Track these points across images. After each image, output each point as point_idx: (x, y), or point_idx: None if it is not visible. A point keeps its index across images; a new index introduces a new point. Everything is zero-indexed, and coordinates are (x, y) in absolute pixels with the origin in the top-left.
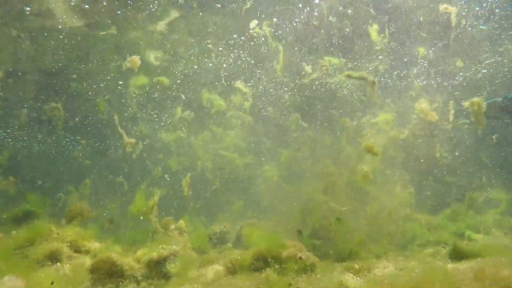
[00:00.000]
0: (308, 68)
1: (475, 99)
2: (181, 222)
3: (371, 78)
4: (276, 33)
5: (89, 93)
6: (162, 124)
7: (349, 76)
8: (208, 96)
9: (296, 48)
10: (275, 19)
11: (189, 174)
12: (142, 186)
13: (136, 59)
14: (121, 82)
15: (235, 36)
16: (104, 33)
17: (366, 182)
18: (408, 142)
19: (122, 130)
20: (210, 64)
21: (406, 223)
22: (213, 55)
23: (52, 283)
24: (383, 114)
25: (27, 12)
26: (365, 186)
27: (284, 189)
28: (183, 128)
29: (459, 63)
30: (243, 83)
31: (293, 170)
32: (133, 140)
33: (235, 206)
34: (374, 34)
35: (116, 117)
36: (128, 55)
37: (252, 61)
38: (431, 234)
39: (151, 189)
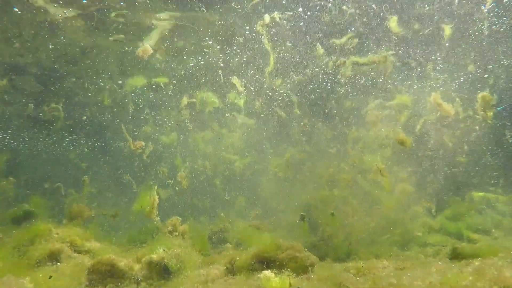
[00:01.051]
0: (321, 50)
1: (483, 93)
2: (185, 226)
3: (382, 55)
4: (272, 32)
5: (89, 94)
6: (165, 125)
7: (356, 63)
8: (202, 95)
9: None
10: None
11: (184, 166)
12: (151, 183)
13: (148, 47)
14: (120, 82)
15: (247, 27)
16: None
17: (382, 180)
18: (422, 136)
19: (130, 138)
20: (202, 62)
21: (408, 223)
22: (209, 51)
23: (50, 277)
24: (400, 96)
25: (19, 12)
26: (386, 185)
27: (287, 189)
28: (187, 121)
29: (471, 68)
30: (239, 80)
31: (296, 169)
32: (141, 143)
33: (238, 207)
34: (394, 25)
35: (123, 127)
36: (141, 43)
37: (256, 57)
38: (431, 234)
39: (155, 193)
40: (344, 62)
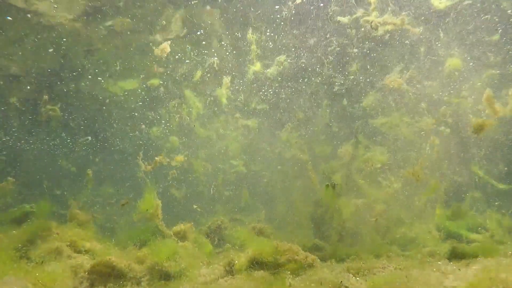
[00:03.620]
0: (346, 19)
1: None
2: (194, 234)
3: (400, 18)
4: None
5: (96, 99)
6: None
7: (367, 22)
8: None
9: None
10: None
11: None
12: (153, 184)
13: (166, 45)
14: (101, 80)
15: (279, 11)
16: None
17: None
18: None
19: (141, 161)
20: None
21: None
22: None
23: (41, 262)
24: (451, 59)
25: (10, 19)
26: (433, 185)
27: (288, 189)
28: (189, 116)
29: None
30: (228, 82)
31: (296, 167)
32: (157, 161)
33: (241, 207)
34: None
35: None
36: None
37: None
38: (431, 233)
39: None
40: (375, 22)
